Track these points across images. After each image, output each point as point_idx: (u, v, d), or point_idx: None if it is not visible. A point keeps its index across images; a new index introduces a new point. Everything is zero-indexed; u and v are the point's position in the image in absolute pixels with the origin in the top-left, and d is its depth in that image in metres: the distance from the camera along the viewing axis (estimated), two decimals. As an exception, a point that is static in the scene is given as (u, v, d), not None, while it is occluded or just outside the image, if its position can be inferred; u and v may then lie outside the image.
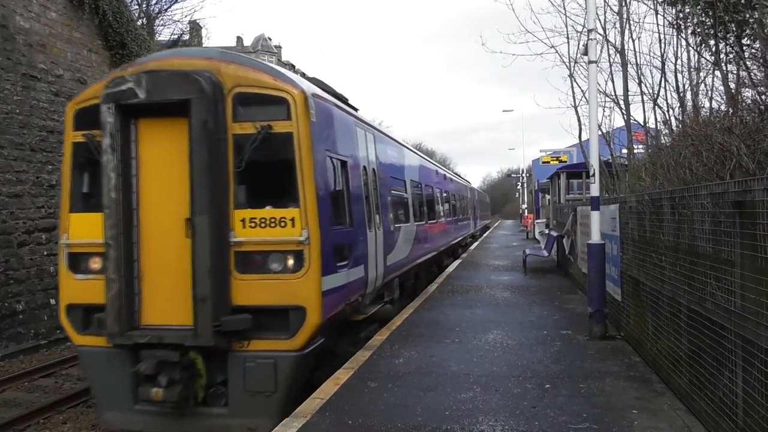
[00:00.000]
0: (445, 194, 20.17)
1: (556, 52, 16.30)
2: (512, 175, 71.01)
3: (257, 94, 6.68)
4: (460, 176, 34.16)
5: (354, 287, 7.87)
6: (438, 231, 17.54)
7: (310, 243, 6.49)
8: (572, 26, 25.05)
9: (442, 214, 18.89)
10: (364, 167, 9.12)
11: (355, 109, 9.84)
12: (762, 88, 9.10)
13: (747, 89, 10.48)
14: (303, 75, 8.86)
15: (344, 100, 9.45)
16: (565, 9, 18.99)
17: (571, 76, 14.77)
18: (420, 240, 13.85)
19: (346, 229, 7.78)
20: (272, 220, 6.55)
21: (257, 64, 7.28)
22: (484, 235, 43.57)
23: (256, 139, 6.53)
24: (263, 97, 6.68)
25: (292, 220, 6.51)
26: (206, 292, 6.27)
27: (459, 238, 24.43)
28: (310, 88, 7.31)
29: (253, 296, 6.51)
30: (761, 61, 9.29)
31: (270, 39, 64.75)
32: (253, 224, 6.55)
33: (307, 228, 6.49)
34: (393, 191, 11.35)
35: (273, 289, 6.51)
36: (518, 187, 67.39)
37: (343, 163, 8.00)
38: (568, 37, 14.90)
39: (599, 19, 13.29)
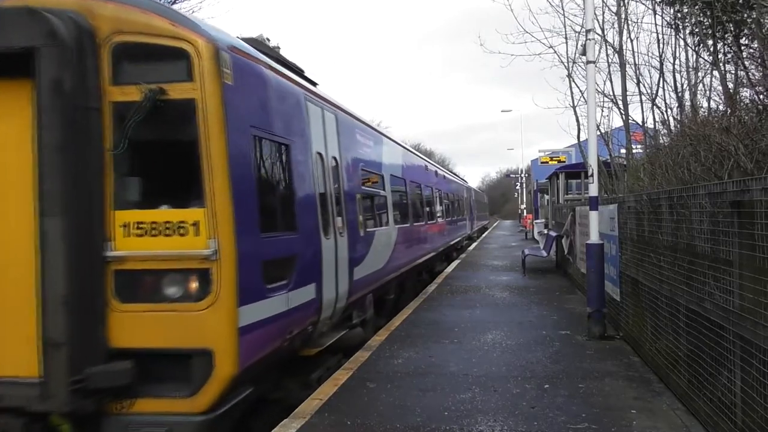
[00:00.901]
0: (437, 193, 18.92)
1: (555, 52, 16.45)
2: (511, 176, 71.01)
3: (146, 44, 4.78)
4: (456, 174, 33.44)
5: (300, 315, 6.10)
6: (426, 234, 15.94)
7: (220, 258, 4.68)
8: (570, 26, 24.99)
9: (432, 215, 17.38)
10: (319, 155, 7.17)
11: (313, 84, 7.98)
12: (760, 88, 9.12)
13: (745, 89, 10.56)
14: (263, 43, 7.28)
15: (298, 71, 7.58)
16: (563, 9, 19.16)
17: (569, 76, 14.84)
18: (402, 246, 12.09)
19: (285, 237, 5.93)
20: (168, 225, 4.72)
21: (149, 3, 5.04)
22: (483, 236, 43.54)
23: (142, 108, 4.67)
24: (154, 49, 4.77)
25: (196, 225, 4.70)
26: (60, 331, 4.41)
27: (453, 241, 23.48)
28: (227, 40, 5.26)
29: (141, 335, 4.71)
30: (759, 60, 9.31)
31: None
32: (140, 231, 4.73)
33: (216, 237, 4.68)
34: (365, 188, 9.52)
35: (169, 324, 4.70)
36: (517, 187, 67.49)
37: (285, 148, 6.15)
38: (566, 38, 14.97)
39: (597, 20, 13.37)
